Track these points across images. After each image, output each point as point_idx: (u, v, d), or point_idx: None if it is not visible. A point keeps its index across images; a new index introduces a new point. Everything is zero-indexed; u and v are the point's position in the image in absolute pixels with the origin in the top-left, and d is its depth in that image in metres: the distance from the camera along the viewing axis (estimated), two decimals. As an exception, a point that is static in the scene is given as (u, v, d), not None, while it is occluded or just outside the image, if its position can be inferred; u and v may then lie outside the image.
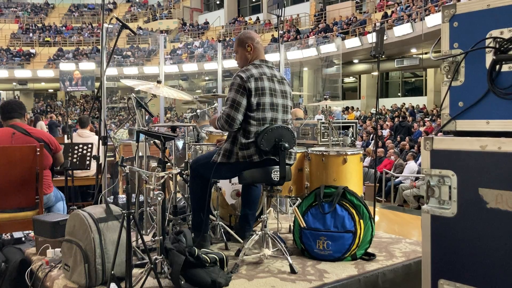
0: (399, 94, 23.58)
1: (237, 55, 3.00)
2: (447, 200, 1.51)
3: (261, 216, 2.83)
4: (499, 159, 1.40)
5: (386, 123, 15.45)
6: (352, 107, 20.86)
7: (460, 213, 1.49)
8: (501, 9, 1.47)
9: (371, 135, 13.94)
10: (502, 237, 1.39)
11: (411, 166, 9.46)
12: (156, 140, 2.98)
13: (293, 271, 2.59)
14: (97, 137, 5.42)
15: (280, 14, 4.98)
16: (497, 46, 1.47)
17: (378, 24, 18.02)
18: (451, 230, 1.50)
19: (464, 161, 1.47)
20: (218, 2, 31.99)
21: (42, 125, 11.33)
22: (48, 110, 28.72)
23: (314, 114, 16.57)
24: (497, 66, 1.48)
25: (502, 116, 1.47)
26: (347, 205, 2.90)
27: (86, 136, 5.29)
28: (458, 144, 1.50)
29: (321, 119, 4.20)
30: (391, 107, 19.14)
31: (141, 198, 3.47)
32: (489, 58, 1.49)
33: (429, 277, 1.56)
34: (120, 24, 3.15)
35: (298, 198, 3.52)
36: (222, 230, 3.21)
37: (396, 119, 15.75)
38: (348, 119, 14.85)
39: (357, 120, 5.05)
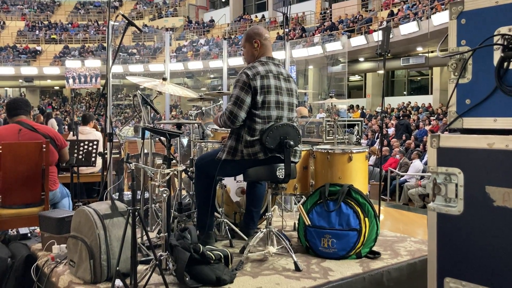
0: (404, 92, 23.49)
1: (244, 50, 3.00)
2: (454, 198, 1.50)
3: (266, 214, 2.83)
4: (506, 157, 1.38)
5: (392, 121, 15.40)
6: (358, 106, 20.80)
7: (466, 211, 1.48)
8: (509, 6, 1.46)
9: (376, 134, 13.90)
10: (509, 236, 1.38)
11: (416, 165, 9.43)
12: (161, 137, 2.99)
13: (297, 268, 2.59)
14: (98, 133, 5.44)
15: (286, 12, 4.98)
16: (505, 43, 1.46)
17: (384, 22, 17.94)
18: (457, 228, 1.49)
19: (471, 159, 1.46)
20: (223, 0, 31.97)
21: (53, 123, 11.24)
22: (55, 107, 28.87)
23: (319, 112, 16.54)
24: (505, 64, 1.46)
25: (509, 114, 1.45)
26: (352, 203, 2.90)
27: (86, 132, 5.31)
28: (465, 142, 1.48)
29: (323, 117, 4.19)
30: (397, 105, 19.11)
31: (146, 195, 3.47)
32: (497, 55, 1.48)
33: (435, 275, 1.55)
34: (126, 21, 3.16)
35: (303, 196, 3.52)
36: (226, 227, 3.22)
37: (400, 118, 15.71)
38: (353, 118, 14.81)
39: (362, 119, 5.04)
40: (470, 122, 1.55)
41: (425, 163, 9.51)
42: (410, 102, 19.26)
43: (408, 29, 16.73)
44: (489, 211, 1.42)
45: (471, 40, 1.54)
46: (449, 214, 1.51)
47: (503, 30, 1.47)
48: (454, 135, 1.53)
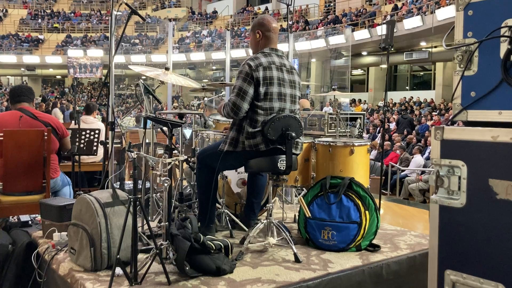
0: (407, 87, 23.43)
1: (250, 39, 3.01)
2: (456, 191, 1.50)
3: (266, 205, 2.83)
4: (510, 150, 1.38)
5: (393, 116, 15.37)
6: (360, 100, 20.76)
7: (469, 204, 1.47)
8: (517, -2, 1.44)
9: (378, 128, 13.88)
10: (511, 229, 1.38)
11: (417, 159, 9.43)
12: (163, 127, 2.98)
13: (297, 260, 2.60)
14: (101, 123, 5.44)
15: (289, 4, 4.95)
16: (512, 35, 1.44)
17: (388, 16, 17.85)
18: (459, 221, 1.49)
19: (475, 152, 1.45)
20: (226, -9, 31.82)
21: (56, 112, 11.23)
22: (57, 96, 28.82)
23: (322, 105, 16.53)
24: (512, 56, 1.45)
25: (515, 107, 1.44)
26: (353, 196, 2.90)
27: (90, 122, 5.31)
28: (469, 134, 1.48)
29: (329, 111, 4.18)
30: (400, 100, 19.08)
31: (147, 184, 3.48)
32: (504, 47, 1.46)
33: (436, 268, 1.55)
34: (129, 10, 3.15)
35: (304, 188, 3.52)
36: (227, 218, 3.22)
37: (402, 112, 15.69)
38: (355, 112, 14.77)
39: (364, 113, 5.03)
40: (474, 115, 1.54)
41: (426, 158, 9.51)
42: (412, 97, 19.21)
43: (412, 23, 16.66)
44: (492, 204, 1.41)
45: (478, 32, 1.53)
46: (451, 207, 1.51)
47: (511, 22, 1.45)
48: (458, 127, 1.52)
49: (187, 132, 6.00)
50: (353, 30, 19.00)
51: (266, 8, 27.47)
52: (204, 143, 3.53)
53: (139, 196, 2.25)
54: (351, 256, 2.73)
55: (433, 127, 1.54)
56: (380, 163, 6.17)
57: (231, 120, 2.90)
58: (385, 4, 20.87)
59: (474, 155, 1.45)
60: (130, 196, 2.19)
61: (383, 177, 8.64)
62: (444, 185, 1.51)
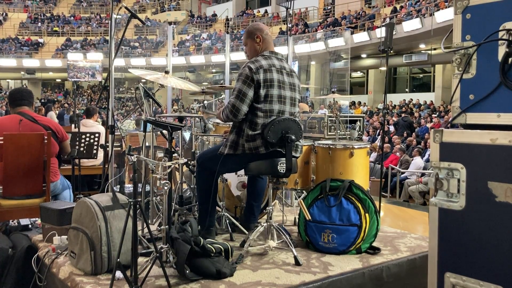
0: (406, 89, 23.45)
1: (246, 48, 3.00)
2: (456, 193, 1.50)
3: (266, 208, 2.83)
4: (509, 153, 1.38)
5: (393, 118, 15.38)
6: (359, 102, 20.77)
7: (468, 207, 1.48)
8: (515, 1, 1.45)
9: (378, 131, 13.89)
10: (511, 231, 1.38)
11: (417, 162, 9.42)
12: (163, 130, 2.99)
13: (297, 263, 2.60)
14: (101, 126, 5.44)
15: (289, 7, 4.97)
16: (511, 38, 1.45)
17: (387, 19, 17.88)
18: (459, 224, 1.49)
19: (474, 154, 1.46)
20: (226, -6, 31.88)
21: (52, 115, 11.28)
22: (55, 99, 28.83)
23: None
24: (510, 59, 1.46)
25: (513, 109, 1.45)
26: (353, 198, 2.90)
27: (90, 125, 5.32)
28: (468, 137, 1.48)
29: (324, 113, 4.18)
30: (399, 102, 19.09)
31: (147, 187, 3.48)
32: (502, 50, 1.47)
33: (436, 270, 1.55)
34: (129, 14, 3.15)
35: (304, 191, 3.52)
36: (227, 221, 3.22)
37: (403, 115, 15.69)
38: (354, 114, 14.76)
39: (364, 115, 5.03)
40: (473, 118, 1.55)
41: (426, 160, 9.50)
42: (412, 99, 19.24)
43: (411, 26, 16.70)
44: (491, 206, 1.42)
45: (476, 35, 1.53)
46: (450, 209, 1.51)
47: (508, 25, 1.46)
48: (457, 130, 1.53)
49: (187, 135, 6.01)
50: (352, 33, 19.03)
51: (266, 11, 27.51)
52: (204, 146, 3.54)
53: (139, 199, 2.25)
54: (351, 259, 2.73)
55: (432, 130, 1.55)
56: (380, 166, 6.17)
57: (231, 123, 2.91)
58: (384, 6, 20.92)
59: (473, 157, 1.46)
60: (130, 200, 2.18)
61: (383, 180, 8.63)
62: (444, 188, 1.52)
